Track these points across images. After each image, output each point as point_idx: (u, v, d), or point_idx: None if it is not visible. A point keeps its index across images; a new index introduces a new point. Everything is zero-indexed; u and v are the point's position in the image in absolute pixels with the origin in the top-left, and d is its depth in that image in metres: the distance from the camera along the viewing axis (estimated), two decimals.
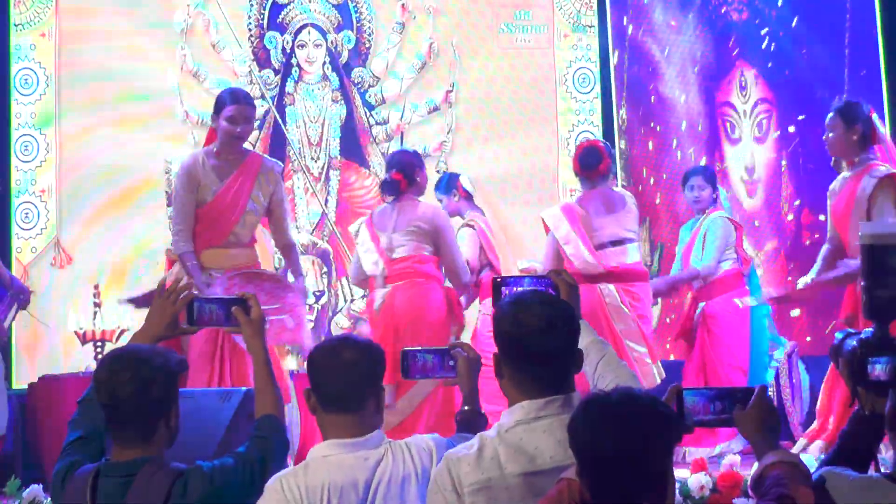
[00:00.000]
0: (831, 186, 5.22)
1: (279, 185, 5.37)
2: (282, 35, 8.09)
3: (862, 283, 3.19)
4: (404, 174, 5.60)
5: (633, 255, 5.71)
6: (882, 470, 2.57)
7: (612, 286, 5.55)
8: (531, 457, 2.35)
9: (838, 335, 2.96)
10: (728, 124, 8.13)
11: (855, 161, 5.04)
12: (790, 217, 7.81)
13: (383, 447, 2.59)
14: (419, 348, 2.96)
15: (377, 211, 5.81)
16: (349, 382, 2.59)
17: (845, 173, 5.12)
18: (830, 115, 5.13)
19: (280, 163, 5.65)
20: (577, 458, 2.00)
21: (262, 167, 5.27)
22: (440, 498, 2.42)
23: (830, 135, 5.09)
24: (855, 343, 2.79)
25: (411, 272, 5.50)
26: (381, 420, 2.68)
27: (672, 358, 7.13)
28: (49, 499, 4.83)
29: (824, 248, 5.23)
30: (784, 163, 7.84)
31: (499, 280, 2.86)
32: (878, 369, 2.59)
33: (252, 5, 8.08)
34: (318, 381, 2.63)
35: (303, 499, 2.49)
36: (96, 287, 7.17)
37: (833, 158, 5.22)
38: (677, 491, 4.44)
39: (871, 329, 2.81)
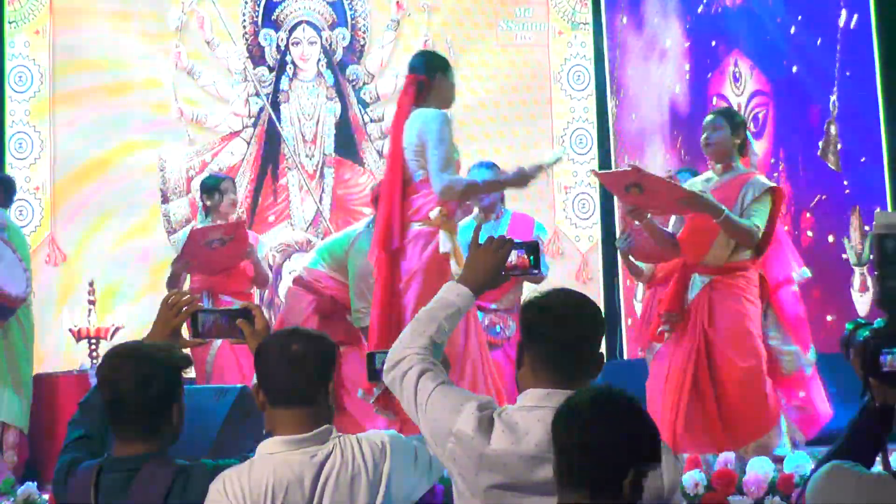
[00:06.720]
0: (692, 183, 5.13)
1: None
2: (276, 32, 8.08)
3: (874, 273, 3.18)
4: None
5: None
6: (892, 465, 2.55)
7: None
8: (517, 438, 2.36)
9: (849, 325, 2.94)
10: None
11: (732, 166, 5.05)
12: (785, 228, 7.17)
13: (332, 443, 2.49)
14: (384, 350, 2.89)
15: None
16: (298, 376, 2.49)
17: (713, 175, 5.08)
18: (713, 116, 5.16)
19: None
20: (555, 452, 2.02)
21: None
22: (444, 430, 2.43)
23: (714, 134, 5.10)
24: (867, 333, 2.76)
25: None
26: (332, 414, 2.57)
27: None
28: (43, 496, 4.83)
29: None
30: (782, 165, 7.11)
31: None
32: (892, 360, 2.57)
33: (247, 2, 8.07)
34: (265, 374, 2.53)
35: (245, 498, 2.40)
36: (91, 284, 7.16)
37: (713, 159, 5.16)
38: None
39: (883, 319, 2.78)
